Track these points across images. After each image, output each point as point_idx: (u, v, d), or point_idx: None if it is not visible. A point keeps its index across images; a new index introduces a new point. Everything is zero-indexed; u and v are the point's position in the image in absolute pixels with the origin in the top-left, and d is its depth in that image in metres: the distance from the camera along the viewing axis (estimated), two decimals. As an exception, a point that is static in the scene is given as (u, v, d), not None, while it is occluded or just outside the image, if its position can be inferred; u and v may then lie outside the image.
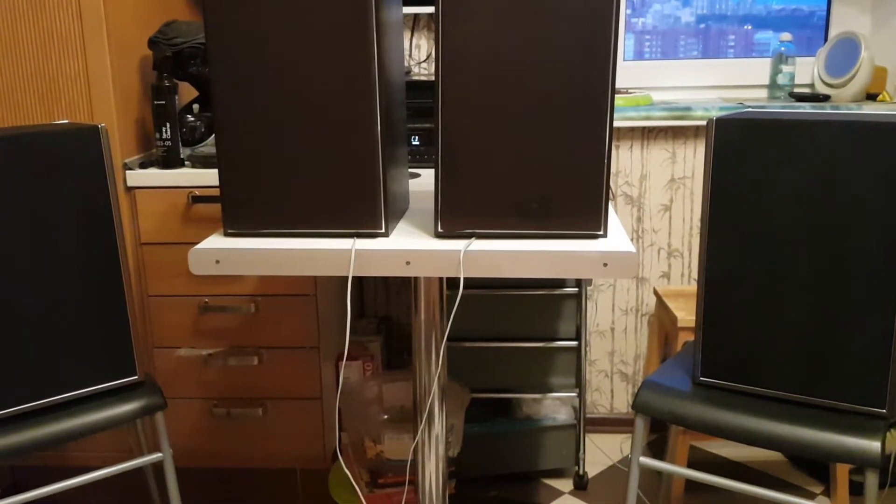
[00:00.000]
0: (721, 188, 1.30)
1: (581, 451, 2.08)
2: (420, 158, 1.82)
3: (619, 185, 2.25)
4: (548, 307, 2.01)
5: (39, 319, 1.38)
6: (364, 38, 1.11)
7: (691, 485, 2.06)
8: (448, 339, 2.01)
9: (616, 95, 1.87)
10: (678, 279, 2.30)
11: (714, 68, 2.32)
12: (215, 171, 1.74)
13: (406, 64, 2.26)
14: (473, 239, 1.17)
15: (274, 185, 1.18)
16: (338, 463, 1.98)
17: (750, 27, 2.33)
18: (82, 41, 1.70)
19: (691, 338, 1.88)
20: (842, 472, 1.79)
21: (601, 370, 2.38)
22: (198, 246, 1.16)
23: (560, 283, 2.00)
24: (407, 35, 2.26)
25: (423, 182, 1.64)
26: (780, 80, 2.21)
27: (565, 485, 2.10)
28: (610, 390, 2.39)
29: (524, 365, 2.05)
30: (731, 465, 2.18)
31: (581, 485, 2.08)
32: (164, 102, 1.74)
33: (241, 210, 1.20)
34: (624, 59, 2.36)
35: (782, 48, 2.20)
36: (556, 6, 1.07)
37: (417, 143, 1.82)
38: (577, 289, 2.01)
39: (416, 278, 1.38)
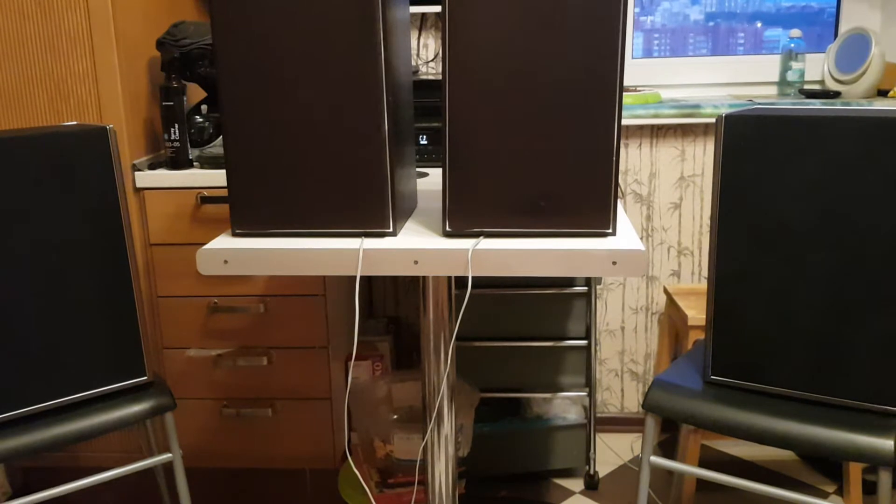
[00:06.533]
0: (731, 185, 1.29)
1: (592, 450, 2.07)
2: (428, 157, 1.82)
3: (628, 184, 2.24)
4: (557, 306, 2.01)
5: (49, 320, 1.39)
6: (371, 37, 1.11)
7: (703, 484, 2.05)
8: (457, 339, 2.01)
9: (625, 93, 1.87)
10: (688, 277, 2.29)
11: (723, 65, 2.31)
12: (224, 171, 1.74)
13: (413, 63, 2.26)
14: (482, 238, 1.16)
15: (282, 184, 1.18)
16: (347, 463, 1.98)
17: (759, 24, 2.32)
18: (90, 41, 1.70)
19: (702, 336, 1.87)
20: (855, 471, 1.78)
21: (611, 369, 2.37)
22: (206, 246, 1.16)
23: (569, 281, 2.00)
24: (414, 34, 2.25)
25: (431, 181, 1.64)
26: (790, 76, 2.20)
27: (576, 484, 2.09)
28: (620, 389, 2.38)
29: (534, 364, 2.04)
30: (742, 465, 2.17)
31: (592, 484, 2.07)
32: (172, 103, 1.74)
33: (249, 210, 1.20)
34: (632, 57, 2.35)
35: (792, 45, 2.19)
36: (564, 4, 1.07)
37: (425, 142, 1.82)
38: (586, 287, 2.00)
39: (424, 278, 1.37)
